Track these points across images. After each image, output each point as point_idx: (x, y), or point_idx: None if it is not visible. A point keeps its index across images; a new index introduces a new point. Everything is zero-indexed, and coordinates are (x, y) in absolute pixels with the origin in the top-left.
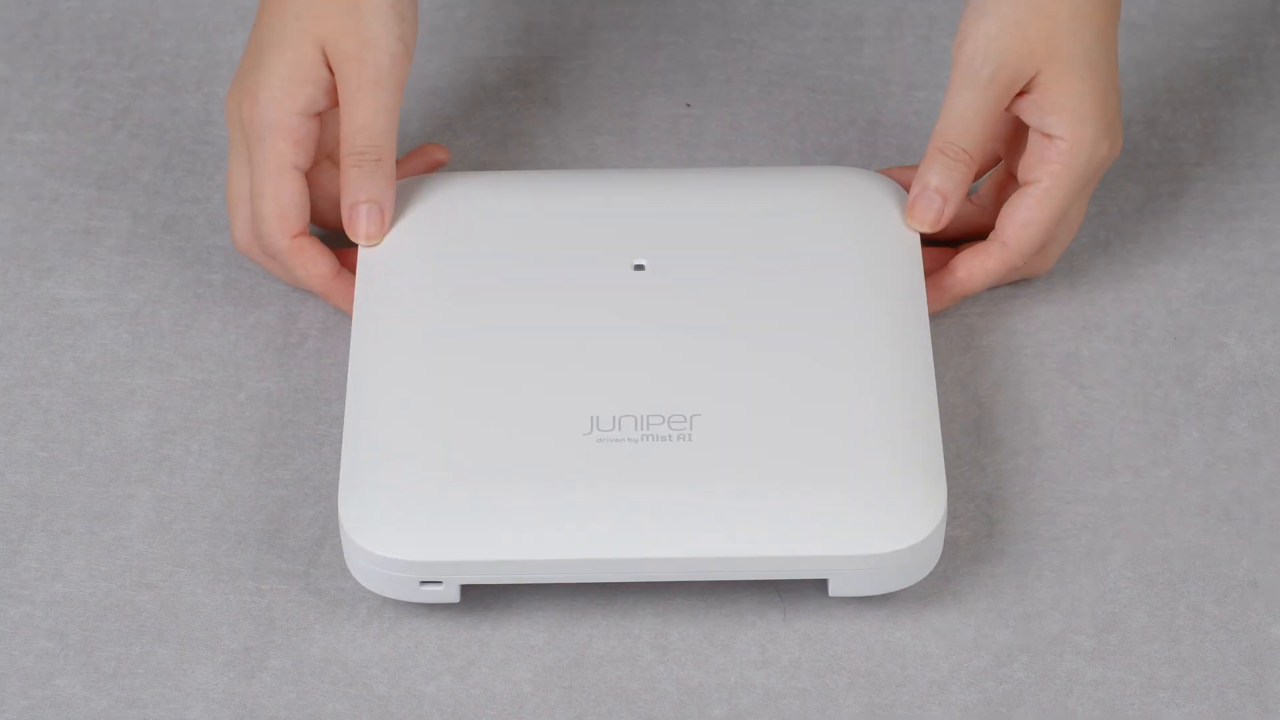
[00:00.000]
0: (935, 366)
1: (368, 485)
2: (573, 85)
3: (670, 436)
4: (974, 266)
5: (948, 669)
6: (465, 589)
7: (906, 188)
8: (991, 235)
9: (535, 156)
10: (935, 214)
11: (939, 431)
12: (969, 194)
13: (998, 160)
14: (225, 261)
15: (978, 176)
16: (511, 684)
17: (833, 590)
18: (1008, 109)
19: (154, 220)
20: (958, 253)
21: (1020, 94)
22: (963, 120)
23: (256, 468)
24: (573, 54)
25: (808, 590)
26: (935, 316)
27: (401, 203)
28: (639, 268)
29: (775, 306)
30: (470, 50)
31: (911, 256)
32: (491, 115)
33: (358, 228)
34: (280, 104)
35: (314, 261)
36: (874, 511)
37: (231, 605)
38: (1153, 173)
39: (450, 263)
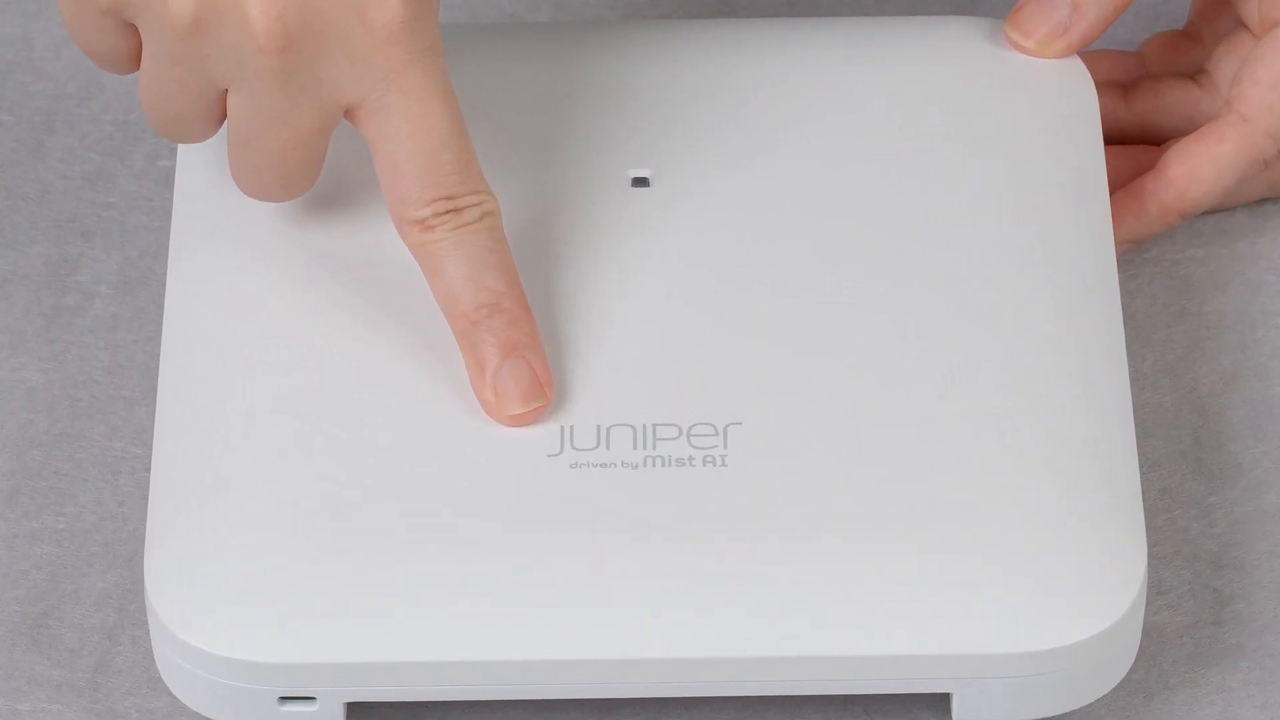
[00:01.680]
0: (1129, 345)
1: (192, 540)
2: None
3: (691, 460)
4: (1198, 158)
5: None
6: (352, 710)
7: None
8: (1225, 107)
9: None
10: (1055, 26)
11: (1134, 453)
12: (1195, 71)
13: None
14: None
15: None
16: None
17: (958, 714)
18: None
19: None
20: (1166, 150)
21: None
22: None
23: (9, 511)
24: None
25: (918, 713)
26: (1133, 255)
27: None
28: (640, 182)
29: (861, 245)
30: None
31: (1089, 164)
32: None
33: (508, 390)
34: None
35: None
36: (1026, 586)
37: None
38: None
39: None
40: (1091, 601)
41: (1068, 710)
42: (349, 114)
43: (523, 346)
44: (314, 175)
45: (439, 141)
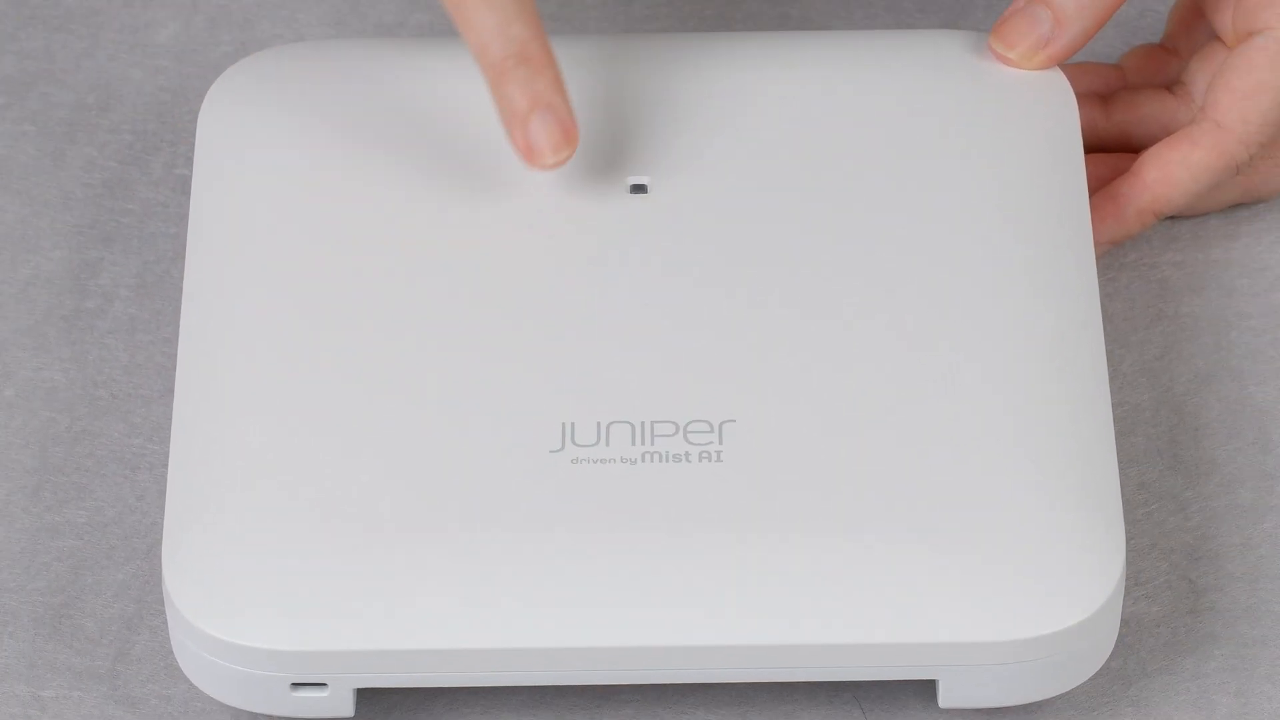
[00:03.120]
0: (1108, 346)
1: (208, 534)
2: None
3: (687, 456)
4: (1172, 163)
5: None
6: (362, 695)
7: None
8: (1199, 114)
9: None
10: (1037, 38)
11: (1113, 449)
12: (1171, 83)
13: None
14: None
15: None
16: None
17: (944, 700)
18: None
19: None
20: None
21: None
22: None
23: (32, 505)
24: None
25: (905, 698)
26: (1112, 256)
27: (266, 80)
28: (638, 189)
29: (851, 251)
30: None
31: (1069, 171)
32: None
33: (539, 138)
34: None
35: None
36: (1008, 577)
37: None
38: None
39: (339, 179)
40: (1072, 592)
41: (1049, 696)
42: None
43: (547, 97)
44: None
45: None
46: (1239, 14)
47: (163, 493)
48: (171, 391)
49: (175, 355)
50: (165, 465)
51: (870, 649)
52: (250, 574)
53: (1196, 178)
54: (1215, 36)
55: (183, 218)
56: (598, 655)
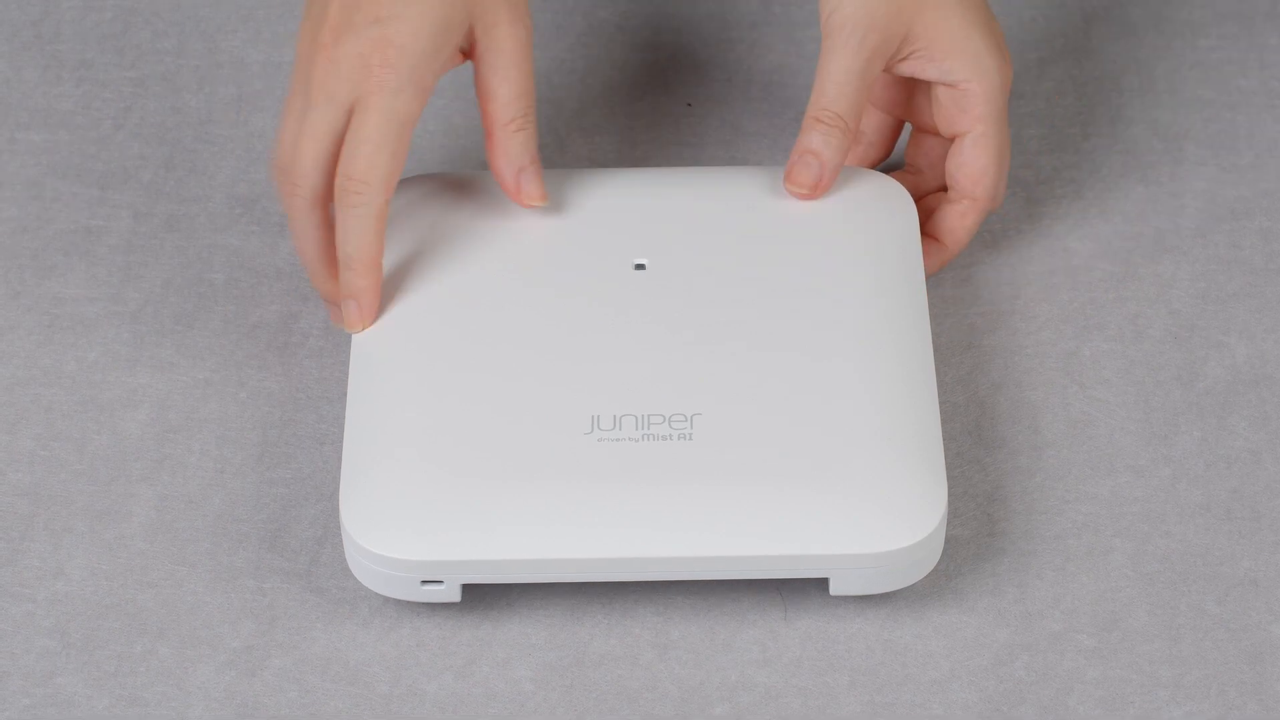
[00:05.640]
0: (936, 366)
1: (369, 484)
2: (574, 85)
3: (671, 436)
4: (957, 229)
5: (948, 667)
6: (466, 588)
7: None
8: (955, 196)
9: None
10: (814, 177)
11: (940, 430)
12: (903, 168)
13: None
14: (226, 261)
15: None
16: (512, 683)
17: (833, 589)
18: (889, 71)
19: (155, 219)
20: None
21: (902, 58)
22: (836, 86)
23: (258, 467)
24: (575, 53)
25: (809, 589)
26: (936, 317)
27: (403, 202)
28: (639, 267)
29: (775, 306)
30: None
31: (912, 254)
32: None
33: (531, 189)
34: (428, 61)
35: (379, 228)
36: (874, 510)
37: (233, 604)
38: (1154, 172)
39: (451, 262)
40: (916, 521)
41: (900, 587)
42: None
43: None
44: None
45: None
46: (941, 123)
47: (340, 460)
48: (344, 396)
49: (347, 373)
50: (341, 442)
51: (788, 558)
52: (394, 511)
53: (971, 230)
54: (925, 132)
55: None
56: (614, 562)
